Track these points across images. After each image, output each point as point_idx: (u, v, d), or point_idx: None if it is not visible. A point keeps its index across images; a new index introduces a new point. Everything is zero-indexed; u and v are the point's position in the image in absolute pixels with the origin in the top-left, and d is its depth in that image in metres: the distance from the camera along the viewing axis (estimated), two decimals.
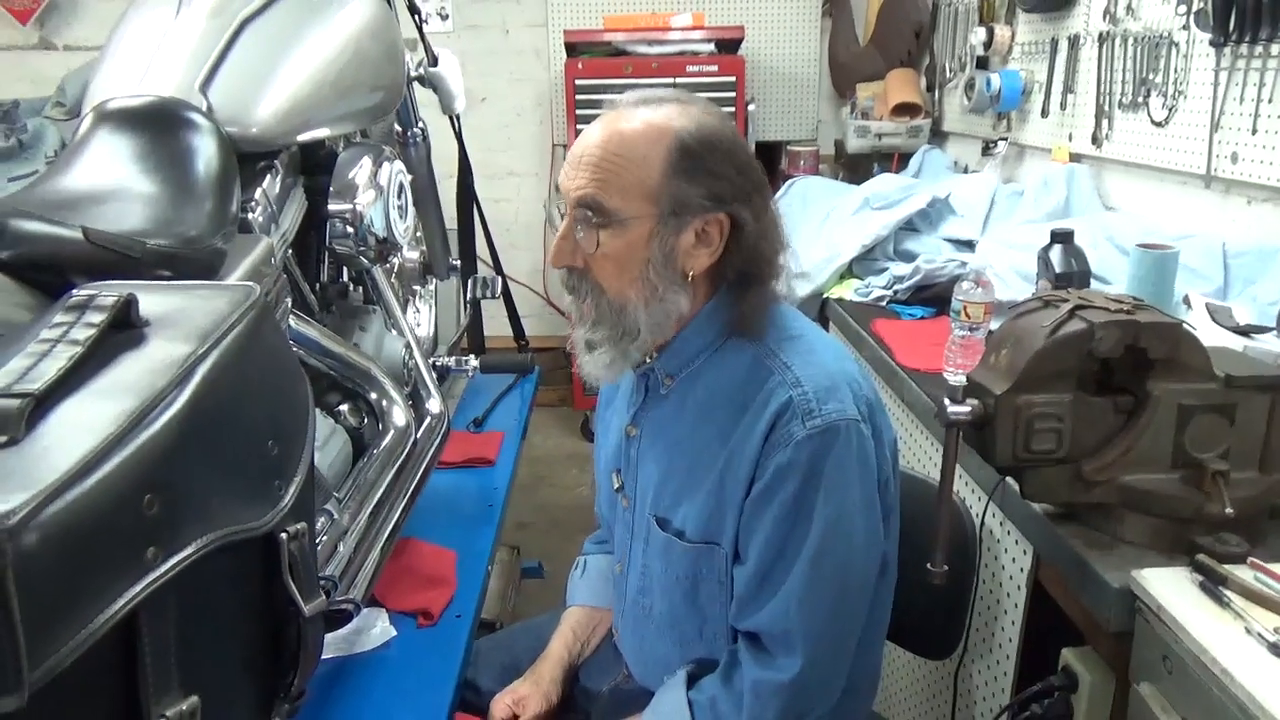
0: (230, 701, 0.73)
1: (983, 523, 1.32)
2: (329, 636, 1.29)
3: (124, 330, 0.69)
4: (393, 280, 1.79)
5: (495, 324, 2.91)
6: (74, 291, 0.72)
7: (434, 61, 2.14)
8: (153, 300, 0.73)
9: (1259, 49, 1.72)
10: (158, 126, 1.19)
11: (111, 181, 1.09)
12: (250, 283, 0.83)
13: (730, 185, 1.06)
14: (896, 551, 1.18)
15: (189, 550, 0.62)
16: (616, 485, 1.25)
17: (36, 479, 0.54)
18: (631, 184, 1.03)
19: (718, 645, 1.15)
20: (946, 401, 1.10)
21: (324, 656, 1.28)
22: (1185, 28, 1.94)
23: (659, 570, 1.17)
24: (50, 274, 0.87)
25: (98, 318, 0.68)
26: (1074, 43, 2.41)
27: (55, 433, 0.59)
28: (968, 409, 1.09)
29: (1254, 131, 1.75)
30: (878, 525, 1.10)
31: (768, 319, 1.11)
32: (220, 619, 0.70)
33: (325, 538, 1.24)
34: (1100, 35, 2.26)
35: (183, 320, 0.72)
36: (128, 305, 0.70)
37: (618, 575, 1.28)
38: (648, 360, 1.15)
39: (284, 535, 0.76)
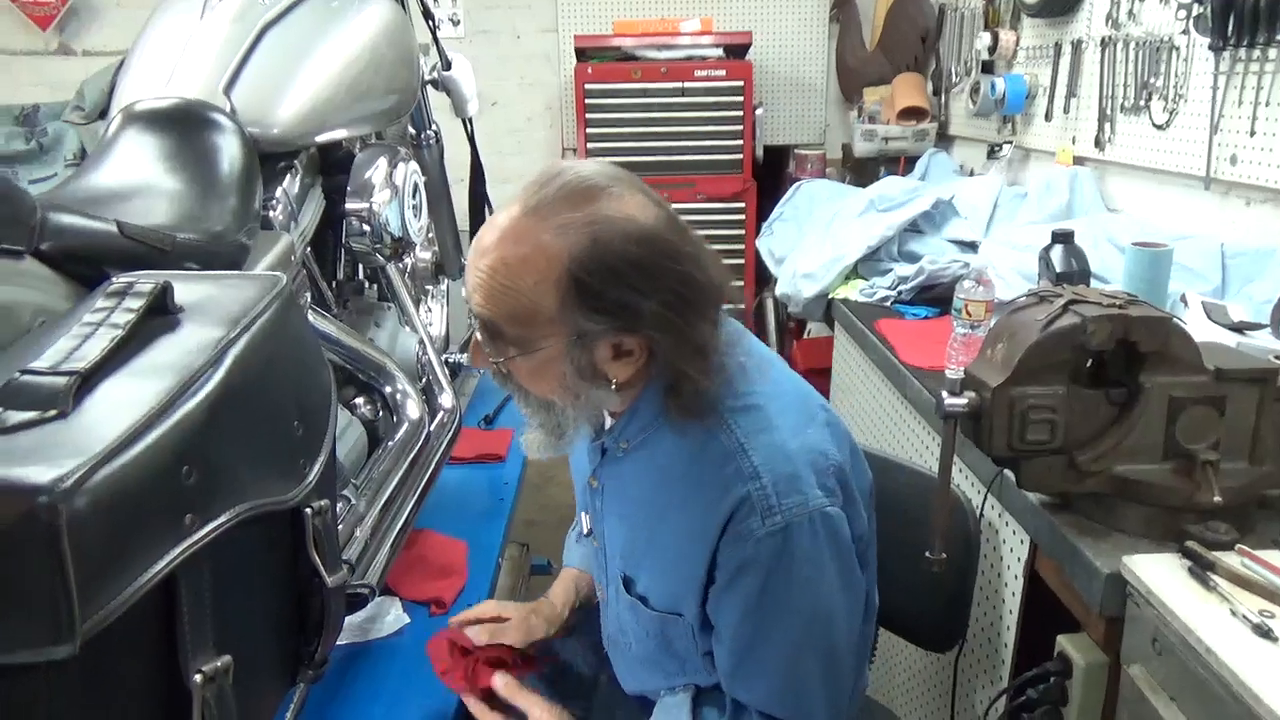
0: (259, 663, 0.77)
1: (982, 514, 1.35)
2: (344, 623, 1.33)
3: (161, 315, 0.74)
4: (406, 279, 1.84)
5: None
6: (113, 279, 0.76)
7: (447, 66, 2.19)
8: (186, 288, 0.78)
9: (1256, 53, 1.75)
10: (183, 127, 1.24)
11: (141, 179, 1.13)
12: (278, 273, 0.87)
13: (638, 312, 0.93)
14: (875, 586, 1.17)
15: (223, 518, 0.66)
16: (586, 530, 1.23)
17: (85, 448, 0.58)
18: (526, 314, 0.94)
19: (699, 675, 1.14)
20: (944, 394, 1.13)
21: (339, 643, 1.33)
22: (1185, 32, 1.97)
23: (630, 623, 1.15)
24: (87, 265, 0.91)
25: (136, 303, 0.72)
26: (1077, 47, 2.44)
27: (100, 407, 0.63)
28: (964, 401, 1.12)
29: (1252, 134, 1.78)
30: (859, 588, 1.08)
31: (712, 399, 1.00)
32: (251, 586, 0.75)
33: (342, 524, 1.28)
34: (1103, 40, 2.29)
35: (214, 307, 0.76)
36: (164, 292, 0.74)
37: (600, 600, 1.26)
38: (599, 433, 1.11)
39: (309, 510, 0.80)
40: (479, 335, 1.00)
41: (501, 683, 1.21)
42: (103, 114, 1.31)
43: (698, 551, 1.01)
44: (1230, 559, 1.00)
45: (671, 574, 1.06)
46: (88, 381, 0.64)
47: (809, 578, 1.00)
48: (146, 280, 0.75)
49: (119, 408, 0.63)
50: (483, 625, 1.25)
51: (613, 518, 1.14)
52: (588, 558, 1.37)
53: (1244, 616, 0.91)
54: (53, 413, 0.61)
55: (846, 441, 1.08)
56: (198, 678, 0.64)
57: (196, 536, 0.63)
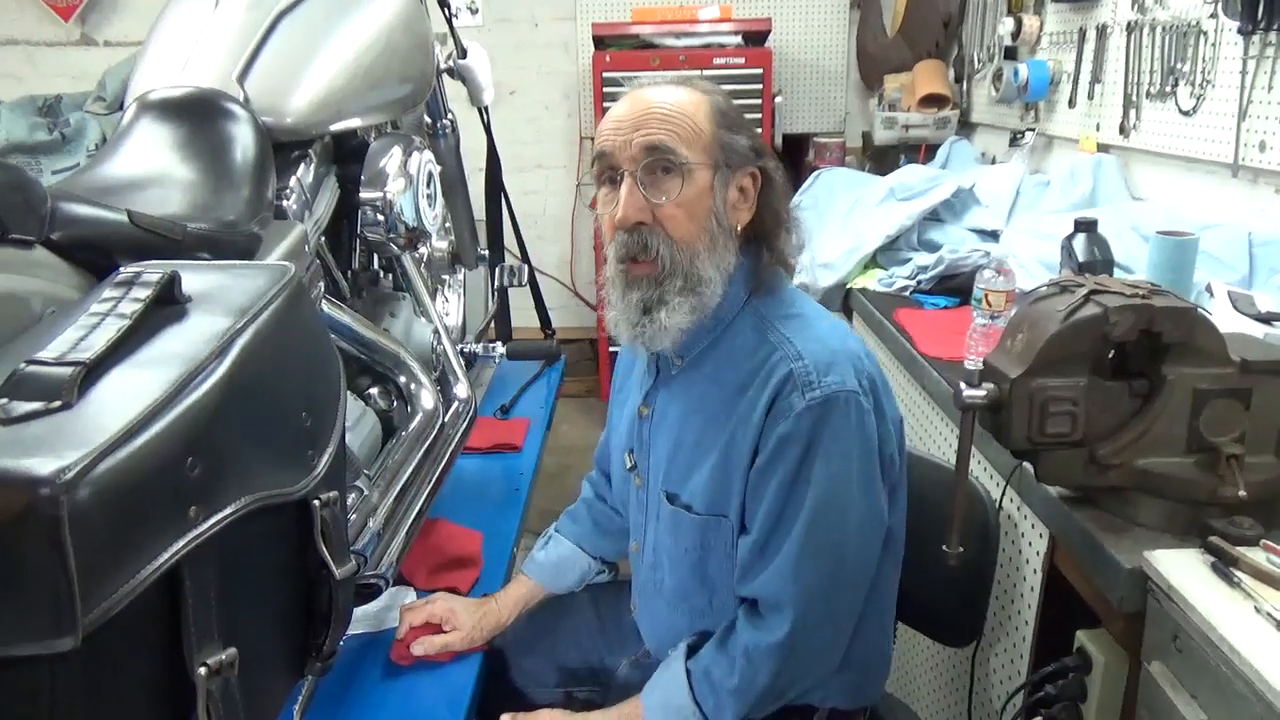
0: (266, 656, 0.77)
1: (1000, 507, 1.33)
2: (358, 613, 1.33)
3: (168, 305, 0.73)
4: (422, 269, 1.83)
5: (522, 316, 2.94)
6: (121, 269, 0.76)
7: (463, 54, 2.17)
8: (194, 278, 0.77)
9: None
10: (197, 116, 1.23)
11: (154, 168, 1.13)
12: (286, 262, 0.87)
13: (757, 142, 1.17)
14: (903, 532, 1.20)
15: (228, 510, 0.66)
16: (629, 465, 1.29)
17: (88, 439, 0.57)
18: (691, 136, 1.11)
19: (725, 609, 1.18)
20: (962, 385, 1.11)
21: (354, 632, 1.33)
22: (1213, 16, 1.93)
23: (669, 545, 1.21)
24: (97, 255, 0.91)
25: (143, 293, 0.72)
26: (1102, 32, 2.40)
27: (105, 398, 0.62)
28: (983, 392, 1.10)
29: None
30: (879, 501, 1.12)
31: (779, 280, 1.18)
32: (257, 578, 0.74)
33: (355, 514, 1.28)
34: (1128, 24, 2.24)
35: (222, 297, 0.76)
36: (171, 282, 0.74)
37: (634, 554, 1.32)
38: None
39: (317, 502, 0.80)
40: (641, 180, 1.10)
41: (508, 718, 1.26)
42: (123, 104, 1.32)
43: (744, 439, 1.10)
44: (1255, 555, 0.98)
45: (719, 471, 1.13)
46: (93, 372, 0.64)
47: (833, 453, 1.07)
48: (154, 270, 0.75)
49: (124, 398, 0.62)
50: (434, 640, 1.34)
51: (659, 440, 1.22)
52: (546, 575, 1.46)
53: (1268, 614, 0.90)
54: (57, 403, 0.61)
55: (880, 374, 1.15)
56: (202, 670, 0.64)
57: (201, 529, 0.63)
